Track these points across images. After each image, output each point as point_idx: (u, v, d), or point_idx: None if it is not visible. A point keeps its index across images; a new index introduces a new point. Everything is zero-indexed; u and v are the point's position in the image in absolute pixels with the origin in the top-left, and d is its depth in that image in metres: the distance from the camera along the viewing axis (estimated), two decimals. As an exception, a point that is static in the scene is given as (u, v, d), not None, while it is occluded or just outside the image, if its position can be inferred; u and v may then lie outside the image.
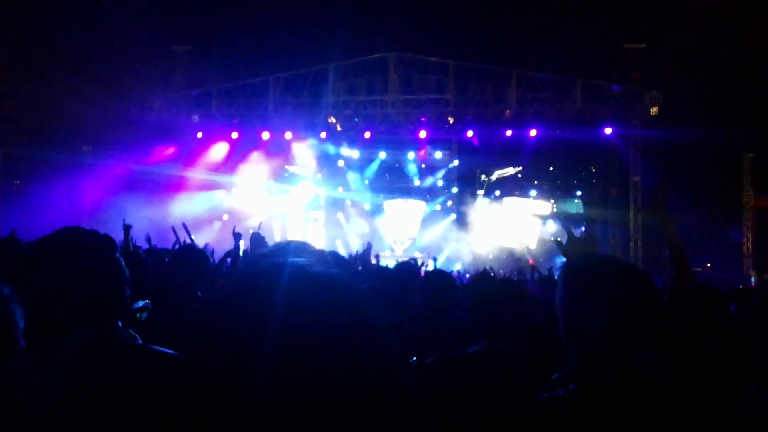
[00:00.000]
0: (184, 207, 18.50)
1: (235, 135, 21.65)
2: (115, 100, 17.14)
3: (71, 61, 16.24)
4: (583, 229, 21.00)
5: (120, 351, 1.73)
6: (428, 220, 24.38)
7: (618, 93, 20.45)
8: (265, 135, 21.28)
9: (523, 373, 1.24)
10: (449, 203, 24.38)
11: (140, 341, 1.82)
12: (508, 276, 11.58)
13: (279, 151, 22.00)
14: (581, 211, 23.55)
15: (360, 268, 6.73)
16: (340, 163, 23.86)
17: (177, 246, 6.54)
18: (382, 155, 23.67)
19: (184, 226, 6.62)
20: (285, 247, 2.52)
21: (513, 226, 22.76)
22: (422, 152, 23.21)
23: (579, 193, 23.77)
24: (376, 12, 23.70)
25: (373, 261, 10.77)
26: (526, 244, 22.09)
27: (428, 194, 24.72)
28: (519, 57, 21.31)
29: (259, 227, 3.63)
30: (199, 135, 21.28)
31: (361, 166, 24.22)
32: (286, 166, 23.17)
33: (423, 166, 24.28)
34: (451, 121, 21.48)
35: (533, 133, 20.54)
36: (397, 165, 24.68)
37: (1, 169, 20.61)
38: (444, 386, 1.24)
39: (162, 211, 17.03)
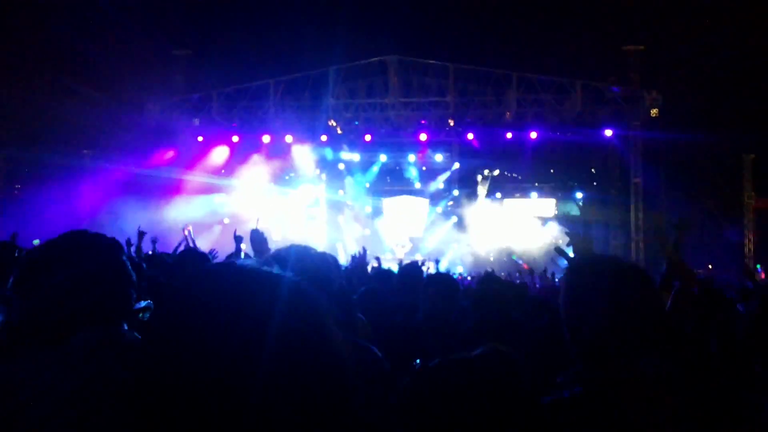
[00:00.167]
0: (185, 210, 18.50)
1: (235, 138, 21.69)
2: (116, 104, 17.16)
3: (72, 66, 16.28)
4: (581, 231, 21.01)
5: (125, 353, 1.73)
6: (429, 222, 24.38)
7: (618, 95, 20.48)
8: (266, 138, 21.31)
9: (527, 375, 1.24)
10: (449, 203, 24.37)
11: None
12: (508, 278, 11.59)
13: (279, 154, 22.02)
14: (578, 213, 23.58)
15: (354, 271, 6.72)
16: (341, 166, 23.88)
17: (180, 249, 6.56)
18: (383, 158, 23.68)
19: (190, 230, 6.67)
20: (286, 253, 2.51)
21: (514, 227, 22.74)
22: (423, 155, 23.21)
23: (579, 195, 23.76)
24: (376, 15, 23.76)
25: (374, 264, 10.77)
26: (522, 249, 22.07)
27: (429, 197, 24.73)
28: (519, 59, 21.36)
29: (257, 223, 3.62)
30: (200, 138, 21.30)
31: (362, 169, 24.23)
32: (286, 170, 23.19)
33: (423, 168, 24.29)
34: (452, 124, 21.50)
35: (533, 135, 20.54)
36: (397, 168, 24.70)
37: (2, 173, 20.63)
38: (447, 389, 1.23)
39: (162, 214, 17.03)
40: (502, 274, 13.12)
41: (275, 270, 0.99)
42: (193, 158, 21.29)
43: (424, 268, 9.45)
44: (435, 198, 24.63)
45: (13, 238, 7.30)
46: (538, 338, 4.02)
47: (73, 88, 16.40)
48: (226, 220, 21.19)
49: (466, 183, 24.08)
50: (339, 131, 22.11)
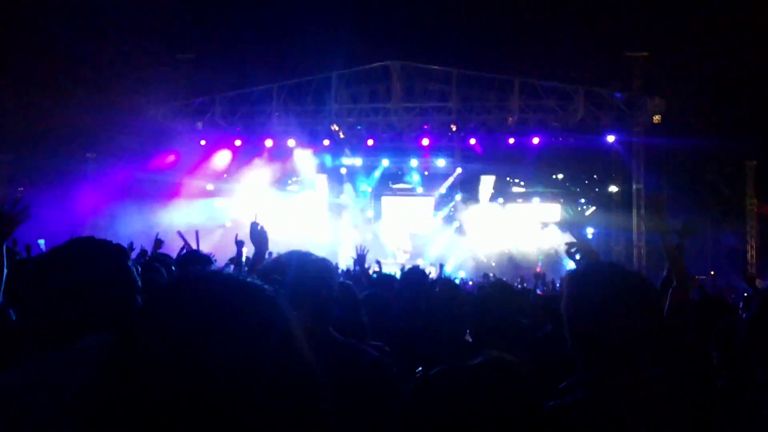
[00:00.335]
0: (186, 214, 18.51)
1: (238, 142, 21.73)
2: (119, 108, 17.20)
3: (75, 70, 16.32)
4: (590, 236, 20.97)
5: None
6: (430, 228, 24.38)
7: (621, 101, 20.49)
8: (268, 143, 21.34)
9: (532, 384, 1.24)
10: (451, 208, 24.36)
11: None
12: (510, 284, 11.54)
13: (282, 158, 22.05)
14: (579, 219, 23.50)
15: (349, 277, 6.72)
16: (343, 170, 23.91)
17: (183, 252, 6.57)
18: (385, 163, 23.70)
19: (197, 234, 6.70)
20: (286, 259, 2.54)
21: (516, 232, 22.71)
22: (425, 160, 23.23)
23: (582, 200, 23.75)
24: (378, 20, 23.80)
25: (375, 268, 10.76)
26: (522, 254, 22.06)
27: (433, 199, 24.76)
28: (522, 65, 21.39)
29: (255, 217, 3.62)
30: (203, 142, 21.33)
31: (364, 173, 24.25)
32: (288, 174, 23.21)
33: (426, 173, 24.31)
34: (454, 129, 21.51)
35: (536, 140, 20.56)
36: (399, 173, 24.72)
37: (5, 176, 20.67)
38: (448, 397, 1.24)
39: (164, 218, 17.04)
40: (503, 279, 13.09)
41: (253, 280, 1.01)
42: (196, 162, 21.33)
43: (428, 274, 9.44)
44: (437, 203, 24.64)
45: (14, 244, 7.33)
46: (540, 345, 4.02)
47: (78, 93, 16.45)
48: (228, 224, 21.19)
49: (468, 188, 24.08)
50: (341, 136, 22.14)
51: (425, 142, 21.33)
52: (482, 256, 22.72)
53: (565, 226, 21.93)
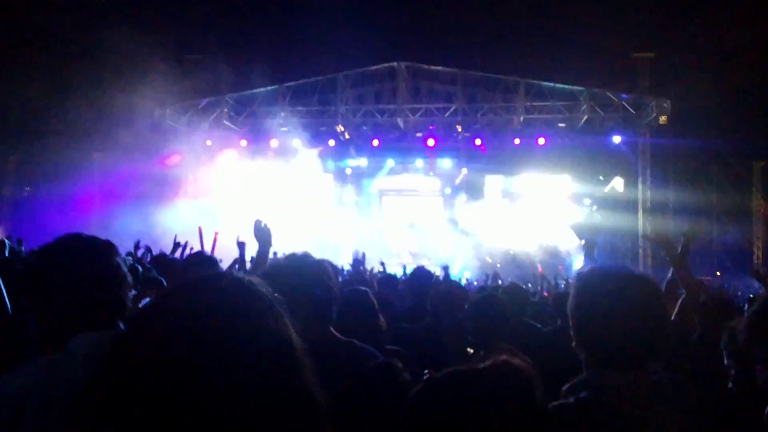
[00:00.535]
0: (191, 214, 18.54)
1: (243, 143, 21.76)
2: (126, 108, 17.24)
3: (83, 69, 16.37)
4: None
5: None
6: (435, 228, 24.33)
7: (627, 102, 20.44)
8: (274, 143, 21.37)
9: (538, 386, 1.24)
10: (456, 207, 24.31)
11: None
12: (523, 288, 11.47)
13: (287, 159, 22.06)
14: (591, 220, 23.42)
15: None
16: (348, 171, 23.92)
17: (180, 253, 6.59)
18: (391, 163, 23.68)
19: (215, 236, 6.77)
20: (285, 262, 2.60)
21: (520, 231, 22.49)
22: (430, 160, 23.21)
23: (587, 201, 23.64)
24: (384, 22, 23.78)
25: (379, 269, 10.76)
26: (526, 253, 21.98)
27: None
28: (528, 66, 21.32)
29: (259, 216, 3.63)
30: (208, 143, 21.36)
31: (369, 174, 24.25)
32: (294, 174, 23.21)
33: (431, 174, 24.28)
34: (460, 130, 21.50)
35: (541, 141, 20.52)
36: (405, 173, 24.69)
37: (13, 175, 20.77)
38: (455, 400, 1.24)
39: (170, 217, 17.07)
40: (508, 279, 13.06)
41: (255, 284, 1.03)
42: (202, 162, 21.36)
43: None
44: (442, 204, 24.60)
45: (20, 243, 7.35)
46: (550, 341, 4.01)
47: (84, 92, 16.50)
48: (232, 225, 21.16)
49: (473, 188, 24.03)
50: (347, 136, 22.15)
51: (431, 142, 21.31)
52: (487, 257, 22.66)
53: (577, 229, 21.86)
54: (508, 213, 23.44)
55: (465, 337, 3.81)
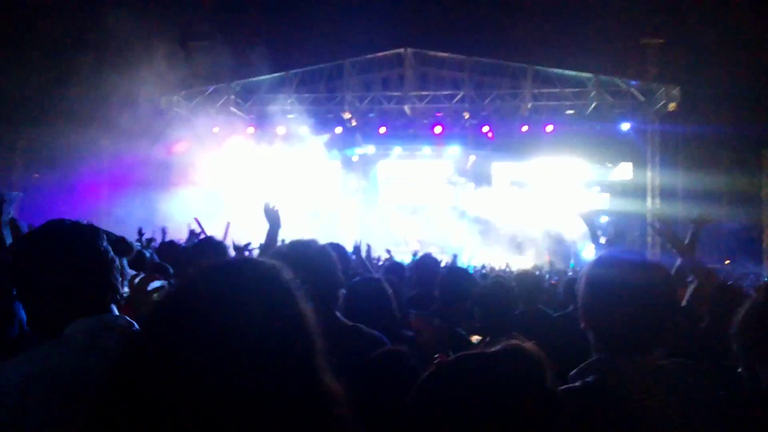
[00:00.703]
0: (198, 202, 18.59)
1: (250, 130, 21.74)
2: (133, 96, 17.26)
3: (90, 56, 16.37)
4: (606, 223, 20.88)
5: (112, 341, 1.74)
6: (442, 216, 24.31)
7: (636, 88, 20.29)
8: (281, 130, 21.35)
9: (548, 370, 1.24)
10: (464, 194, 24.28)
11: (137, 327, 1.83)
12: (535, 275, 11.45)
13: (294, 145, 22.04)
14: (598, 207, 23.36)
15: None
16: (355, 158, 23.90)
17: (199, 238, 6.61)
18: (398, 150, 23.64)
19: (227, 225, 6.82)
20: (288, 249, 2.64)
21: (526, 217, 22.42)
22: (438, 147, 23.16)
23: (597, 188, 23.56)
24: (391, 8, 23.66)
25: (386, 256, 10.76)
26: (540, 236, 21.95)
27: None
28: (535, 52, 21.19)
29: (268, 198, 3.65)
30: (215, 130, 21.36)
31: (376, 161, 24.23)
32: (300, 161, 23.20)
33: (438, 161, 24.23)
34: (467, 117, 21.42)
35: (549, 128, 20.43)
36: (411, 159, 24.66)
37: (21, 162, 20.84)
38: (465, 385, 1.23)
39: (176, 205, 17.12)
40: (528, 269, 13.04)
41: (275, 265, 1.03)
42: (208, 149, 21.36)
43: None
44: (449, 190, 24.57)
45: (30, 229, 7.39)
46: (553, 332, 4.01)
47: (91, 79, 16.51)
48: (239, 213, 21.18)
49: (481, 175, 23.98)
50: (354, 123, 22.11)
51: (438, 129, 21.24)
52: (495, 243, 22.63)
53: (584, 217, 21.75)
54: (515, 200, 23.39)
55: (472, 323, 3.81)
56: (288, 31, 23.33)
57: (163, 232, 7.67)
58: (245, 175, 21.80)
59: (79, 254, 1.81)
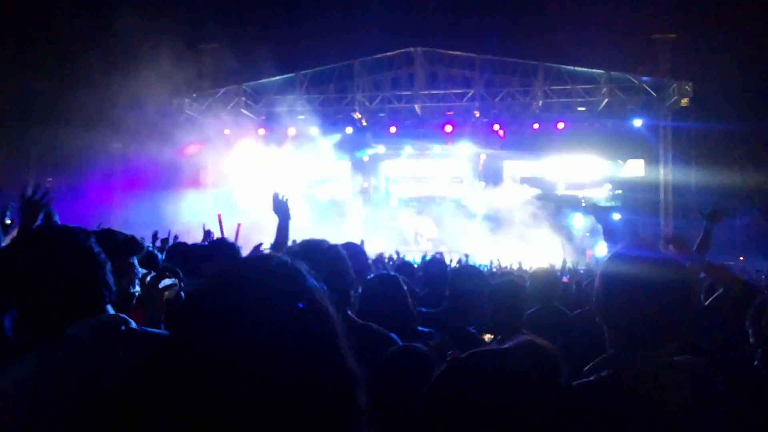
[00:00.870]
0: (210, 204, 18.67)
1: (261, 131, 21.81)
2: (144, 98, 17.35)
3: (101, 60, 16.48)
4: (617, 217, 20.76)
5: (117, 339, 1.77)
6: (453, 216, 24.27)
7: (648, 84, 20.15)
8: (291, 131, 21.42)
9: (562, 366, 1.23)
10: (474, 193, 24.23)
11: (133, 325, 1.85)
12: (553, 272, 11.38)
13: (305, 146, 22.10)
14: (611, 203, 23.24)
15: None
16: (366, 158, 23.92)
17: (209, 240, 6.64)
18: (408, 150, 23.64)
19: (238, 227, 6.86)
20: (299, 248, 2.70)
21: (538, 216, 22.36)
22: (448, 146, 23.12)
23: (609, 185, 23.44)
24: (401, 7, 23.66)
25: (394, 256, 10.79)
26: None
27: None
28: (546, 50, 21.12)
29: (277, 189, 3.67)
30: (227, 131, 21.45)
31: (387, 160, 24.25)
32: (311, 162, 23.25)
33: (449, 160, 24.19)
34: (477, 115, 21.38)
35: (561, 125, 20.35)
36: (422, 159, 24.65)
37: (35, 165, 21.01)
38: (480, 380, 1.23)
39: (188, 207, 17.21)
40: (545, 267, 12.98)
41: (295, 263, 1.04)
42: (220, 151, 21.46)
43: (447, 260, 9.43)
44: (460, 189, 24.53)
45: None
46: (569, 330, 4.00)
47: (102, 83, 16.62)
48: (250, 214, 21.25)
49: (492, 174, 23.93)
50: (364, 123, 22.14)
51: (448, 128, 21.21)
52: (506, 243, 22.56)
53: (590, 210, 21.69)
54: (525, 197, 23.30)
55: (483, 322, 3.80)
56: (297, 32, 23.40)
57: (175, 238, 7.70)
58: (256, 177, 21.87)
59: (69, 256, 1.82)
